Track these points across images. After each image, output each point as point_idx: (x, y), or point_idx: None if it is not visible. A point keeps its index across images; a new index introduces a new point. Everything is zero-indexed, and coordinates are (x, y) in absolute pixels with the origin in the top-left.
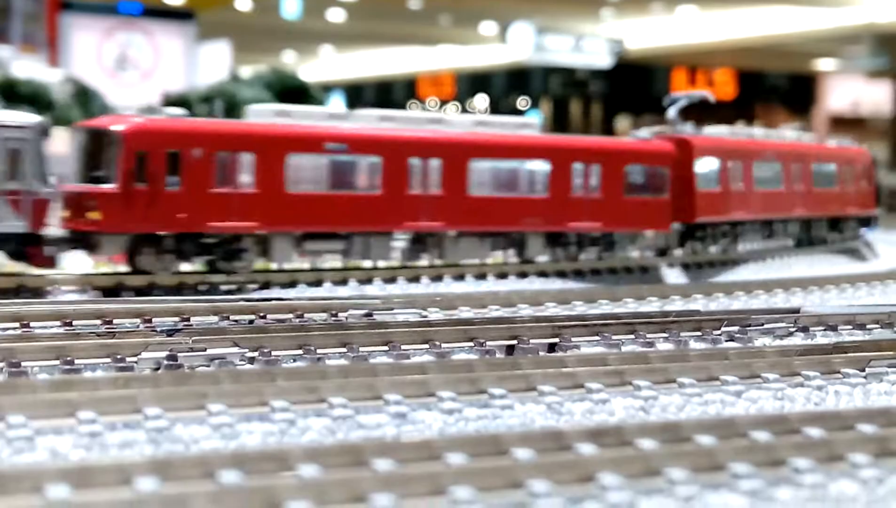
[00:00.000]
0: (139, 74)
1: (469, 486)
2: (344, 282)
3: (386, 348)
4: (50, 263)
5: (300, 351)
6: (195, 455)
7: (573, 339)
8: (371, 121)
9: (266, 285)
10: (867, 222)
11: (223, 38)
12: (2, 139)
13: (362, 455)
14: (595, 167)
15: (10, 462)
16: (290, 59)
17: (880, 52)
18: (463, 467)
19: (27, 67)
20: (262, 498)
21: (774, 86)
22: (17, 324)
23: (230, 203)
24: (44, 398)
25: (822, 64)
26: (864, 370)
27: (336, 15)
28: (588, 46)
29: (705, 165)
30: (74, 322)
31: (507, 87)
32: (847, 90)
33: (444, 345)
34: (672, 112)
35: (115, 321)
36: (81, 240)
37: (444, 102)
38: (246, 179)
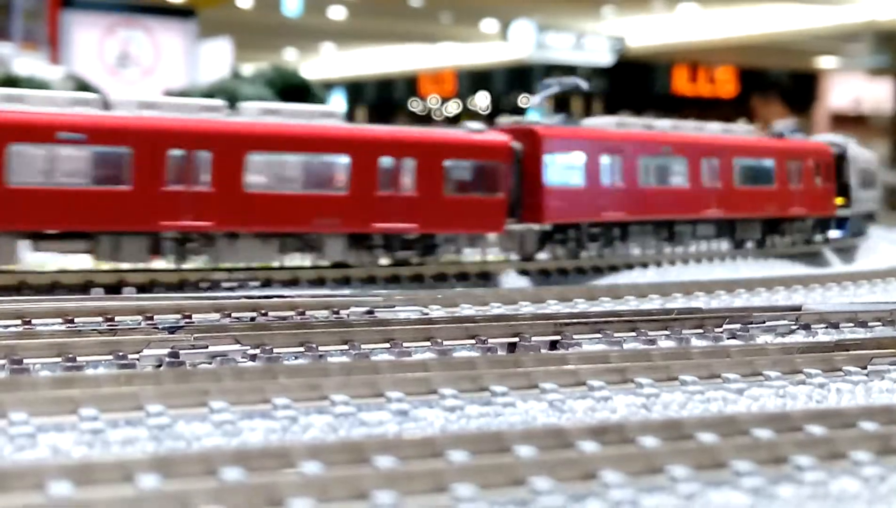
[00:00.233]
0: (140, 71)
1: (471, 483)
2: (346, 280)
3: (388, 345)
4: None
5: (302, 349)
6: (197, 452)
7: (575, 336)
8: (127, 108)
9: (268, 283)
10: (840, 223)
11: (224, 36)
12: None
13: (364, 453)
14: (408, 162)
15: (11, 459)
16: (291, 57)
17: (881, 49)
18: (465, 464)
19: (28, 65)
20: (264, 495)
21: (775, 84)
22: (18, 321)
23: None
24: (45, 395)
25: (824, 62)
26: (866, 368)
27: (337, 12)
28: (589, 44)
29: (560, 160)
30: (76, 319)
31: (508, 84)
32: (848, 88)
33: (445, 343)
34: (536, 100)
35: (116, 319)
36: None
37: (445, 100)
38: None
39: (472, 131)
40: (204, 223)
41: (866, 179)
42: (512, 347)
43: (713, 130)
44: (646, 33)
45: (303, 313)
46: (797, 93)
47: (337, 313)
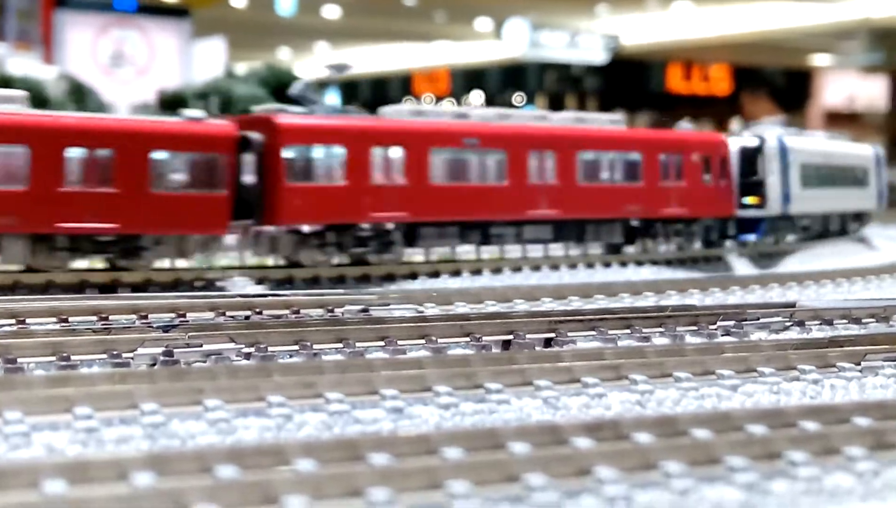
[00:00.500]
0: (134, 70)
1: (465, 480)
2: (340, 278)
3: (382, 343)
4: None
5: (296, 347)
6: (192, 450)
7: (569, 334)
8: None
9: (262, 282)
10: (752, 225)
11: (218, 35)
12: None
13: (359, 450)
14: (104, 153)
15: (6, 458)
16: (285, 56)
17: (876, 47)
18: (459, 461)
19: (22, 65)
20: (258, 493)
21: (766, 81)
22: (13, 320)
23: None
24: (40, 393)
25: (818, 59)
26: (859, 364)
27: (331, 11)
28: (583, 42)
29: (307, 154)
30: (70, 319)
31: (502, 83)
32: (842, 85)
33: (440, 340)
34: (297, 89)
35: (110, 318)
36: None
37: (439, 99)
38: None
39: (190, 120)
40: None
41: (821, 176)
42: (506, 344)
43: (560, 119)
44: (640, 31)
45: (297, 312)
46: (791, 91)
47: (331, 311)
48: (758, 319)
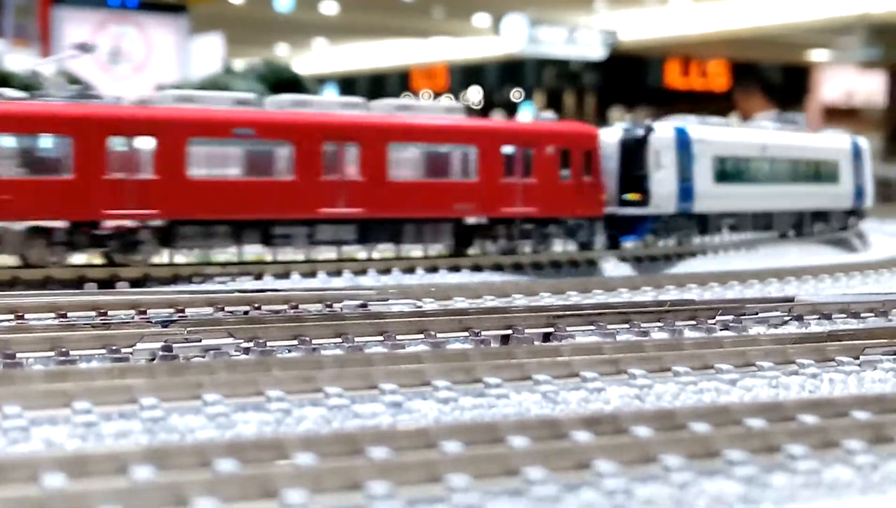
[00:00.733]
0: (132, 67)
1: (465, 474)
2: (338, 273)
3: (381, 338)
4: None
5: (295, 342)
6: (191, 444)
7: (568, 328)
8: None
9: (260, 276)
10: (631, 225)
11: (216, 31)
12: None
13: (358, 444)
14: None
15: (5, 452)
16: (283, 52)
17: (874, 42)
18: (459, 455)
19: (20, 61)
20: (258, 486)
21: (765, 77)
22: (11, 316)
23: None
24: (39, 388)
25: (816, 55)
26: (858, 358)
27: (329, 7)
28: (581, 38)
29: (24, 144)
30: (69, 314)
31: (500, 79)
32: (840, 81)
33: (439, 335)
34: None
35: (109, 313)
36: None
37: (437, 94)
38: None
39: None
40: None
41: (752, 171)
42: (505, 339)
43: (379, 107)
44: (638, 27)
45: (296, 307)
46: (789, 86)
47: (330, 306)
48: (756, 313)
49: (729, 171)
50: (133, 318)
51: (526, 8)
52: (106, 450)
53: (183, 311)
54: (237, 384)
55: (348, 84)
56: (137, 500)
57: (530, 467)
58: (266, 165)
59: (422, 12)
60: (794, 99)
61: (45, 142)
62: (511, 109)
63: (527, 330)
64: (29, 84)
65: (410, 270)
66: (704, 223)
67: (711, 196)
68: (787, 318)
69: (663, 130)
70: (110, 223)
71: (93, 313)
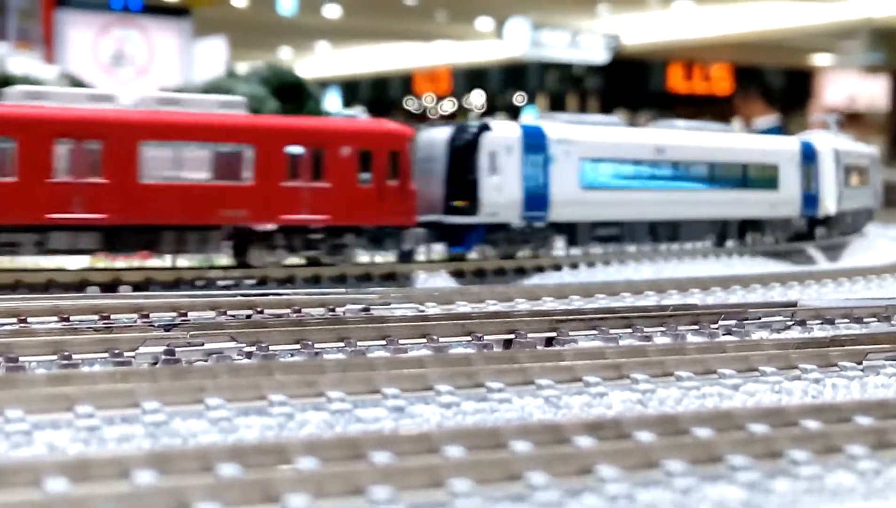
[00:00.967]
0: (135, 70)
1: (467, 479)
2: (341, 278)
3: (384, 342)
4: None
5: (298, 346)
6: (193, 449)
7: (570, 333)
8: None
9: (263, 281)
10: (459, 234)
11: (219, 35)
12: None
13: (360, 448)
14: None
15: (8, 456)
16: (286, 56)
17: (877, 47)
18: (461, 459)
19: (23, 64)
20: (260, 491)
21: (765, 81)
22: (14, 319)
23: None
24: (41, 392)
25: (819, 59)
26: (861, 364)
27: (332, 11)
28: (584, 42)
29: None
30: (72, 317)
31: (503, 82)
32: (843, 85)
33: (441, 339)
34: None
35: (112, 317)
36: None
37: (440, 98)
38: None
39: None
40: None
41: (643, 175)
42: (508, 343)
43: (135, 102)
44: (641, 31)
45: (298, 311)
46: (791, 90)
47: (333, 310)
48: (759, 318)
49: (604, 176)
50: (136, 322)
51: (529, 11)
52: (108, 454)
53: (185, 315)
54: (239, 389)
55: (351, 88)
56: (140, 504)
57: (532, 472)
58: None
59: (425, 16)
60: (797, 103)
61: None
62: (514, 112)
63: (529, 335)
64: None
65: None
66: (572, 234)
67: (578, 204)
68: (789, 323)
69: (503, 130)
70: None
71: (95, 317)
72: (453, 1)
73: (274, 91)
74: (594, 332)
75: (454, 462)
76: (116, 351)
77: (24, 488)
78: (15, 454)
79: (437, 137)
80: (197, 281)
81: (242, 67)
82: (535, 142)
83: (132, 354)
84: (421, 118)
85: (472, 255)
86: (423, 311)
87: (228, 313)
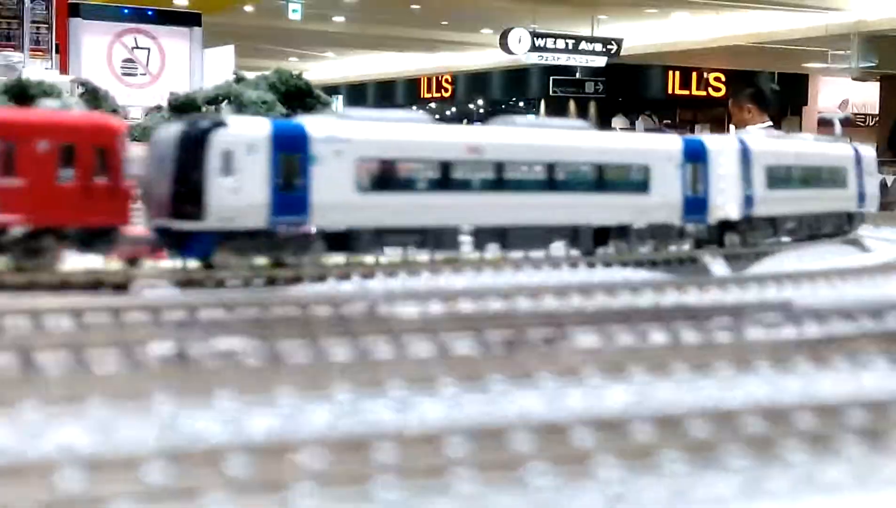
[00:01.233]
0: (147, 77)
1: (469, 472)
2: (347, 277)
3: (388, 339)
4: None
5: (305, 343)
6: (204, 445)
7: (570, 331)
8: None
9: (272, 281)
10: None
11: (228, 42)
12: None
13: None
14: None
15: (20, 454)
16: (294, 63)
17: (869, 52)
18: (463, 454)
19: (37, 72)
20: (268, 484)
21: (757, 87)
22: (27, 317)
23: None
24: (55, 391)
25: (812, 65)
26: (855, 361)
27: (338, 19)
28: (584, 49)
29: None
30: (85, 315)
31: (505, 88)
32: (836, 90)
33: (444, 337)
34: None
35: (124, 315)
36: None
37: (443, 101)
38: None
39: None
40: None
41: (414, 177)
42: (509, 341)
43: None
44: (639, 38)
45: (305, 309)
46: (784, 96)
47: (338, 308)
48: (754, 316)
49: (393, 178)
50: (148, 320)
51: (530, 22)
52: (121, 451)
53: (196, 313)
54: (248, 386)
55: (357, 93)
56: (151, 501)
57: (532, 466)
58: None
59: (429, 25)
60: (791, 108)
61: None
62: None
63: (530, 333)
64: (47, 94)
65: (416, 273)
66: (345, 240)
67: (353, 209)
68: (783, 321)
69: (244, 127)
70: None
71: (107, 315)
72: (457, 12)
73: (282, 96)
74: (593, 329)
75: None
76: (129, 349)
77: (37, 485)
78: (28, 451)
79: (169, 133)
80: (206, 281)
81: (251, 74)
82: (289, 140)
83: (144, 352)
84: None
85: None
86: (426, 310)
87: (237, 311)
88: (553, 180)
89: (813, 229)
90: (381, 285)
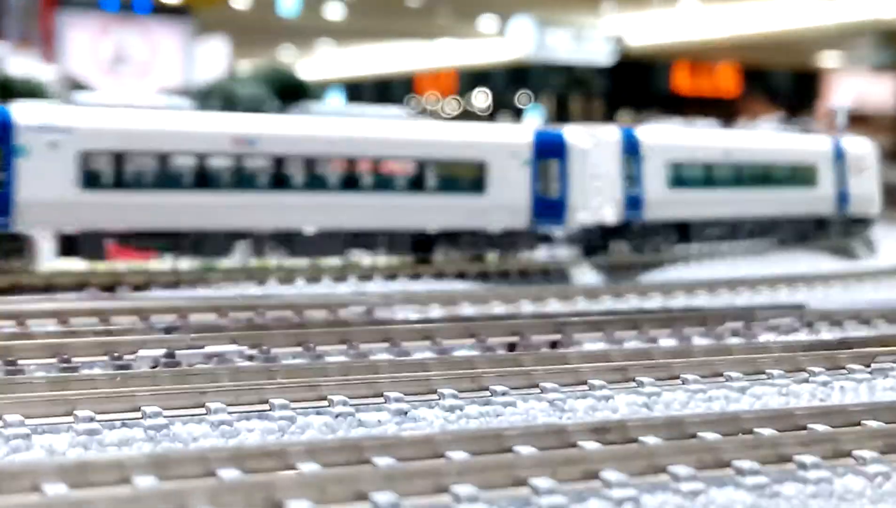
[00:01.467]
0: (136, 70)
1: (471, 483)
2: (343, 279)
3: (386, 345)
4: None
5: (300, 348)
6: (194, 453)
7: (575, 335)
8: None
9: (264, 282)
10: None
11: (220, 35)
12: None
13: (363, 453)
14: None
15: (7, 461)
16: (288, 56)
17: (884, 47)
18: (465, 464)
19: (23, 64)
20: (261, 495)
21: (777, 82)
22: (13, 322)
23: None
24: (41, 395)
25: (826, 60)
26: (869, 366)
27: (334, 11)
28: (589, 43)
29: None
30: (71, 320)
31: (507, 82)
32: (851, 86)
33: (445, 342)
34: None
35: (112, 319)
36: None
37: (444, 98)
38: None
39: None
40: None
41: (141, 172)
42: (512, 346)
43: None
44: (646, 31)
45: (300, 313)
46: (798, 92)
47: (335, 312)
48: (766, 320)
49: (129, 173)
50: (136, 324)
51: (532, 9)
52: (108, 458)
53: (186, 317)
54: (241, 392)
55: (355, 88)
56: None
57: (537, 476)
58: None
59: (428, 15)
60: (804, 104)
61: None
62: (518, 113)
63: (534, 337)
64: (31, 88)
65: (416, 276)
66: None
67: (76, 207)
68: (797, 325)
69: None
70: None
71: (95, 320)
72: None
73: (275, 92)
74: (599, 334)
75: (458, 466)
76: (116, 354)
77: (24, 493)
78: (14, 458)
79: None
80: (197, 283)
81: (244, 67)
82: None
83: (132, 357)
84: None
85: None
86: (426, 314)
87: (230, 315)
88: (354, 179)
89: (759, 235)
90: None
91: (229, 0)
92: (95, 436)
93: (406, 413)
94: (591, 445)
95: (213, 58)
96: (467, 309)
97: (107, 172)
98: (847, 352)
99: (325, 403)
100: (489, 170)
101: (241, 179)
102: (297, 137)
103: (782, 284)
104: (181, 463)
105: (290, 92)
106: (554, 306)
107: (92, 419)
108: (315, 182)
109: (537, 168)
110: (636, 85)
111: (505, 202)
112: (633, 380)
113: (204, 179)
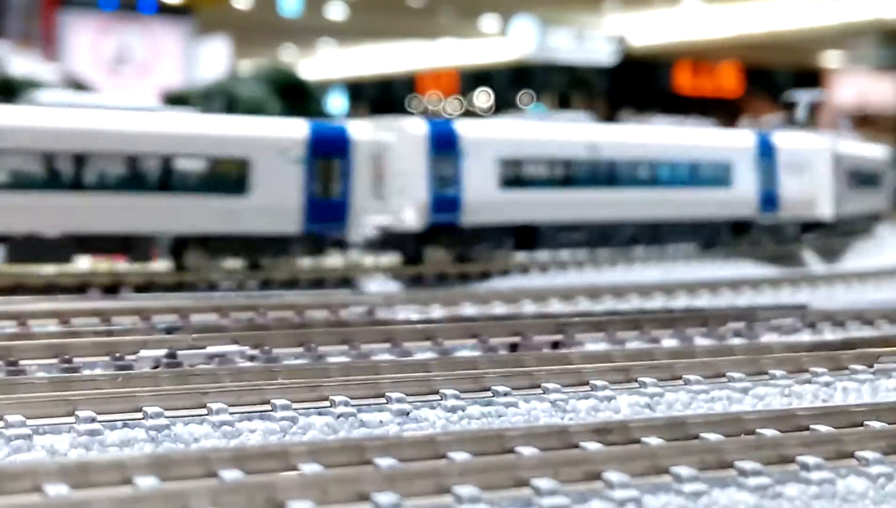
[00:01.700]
0: (137, 70)
1: (473, 484)
2: (345, 280)
3: (388, 345)
4: None
5: (301, 349)
6: (196, 453)
7: (577, 336)
8: None
9: (266, 283)
10: None
11: (222, 35)
12: None
13: (365, 453)
14: None
15: (8, 461)
16: (289, 56)
17: (887, 46)
18: (466, 464)
19: (24, 64)
20: (263, 496)
21: (779, 82)
22: (14, 322)
23: None
24: (42, 396)
25: (829, 59)
26: (872, 367)
27: (336, 11)
28: (590, 43)
29: None
30: (73, 320)
31: (509, 82)
32: (854, 86)
33: (446, 342)
34: None
35: (113, 319)
36: None
37: (446, 98)
38: None
39: None
40: None
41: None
42: (514, 346)
43: None
44: (648, 30)
45: (301, 313)
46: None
47: (336, 312)
48: (769, 320)
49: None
50: (137, 324)
51: (534, 9)
52: (109, 458)
53: (187, 317)
54: (242, 392)
55: (356, 88)
56: None
57: (539, 477)
58: None
59: (429, 14)
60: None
61: None
62: (519, 112)
63: (535, 338)
64: (32, 87)
65: (418, 276)
66: None
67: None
68: (799, 325)
69: None
70: None
71: (96, 320)
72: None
73: (276, 92)
74: (601, 334)
75: (460, 467)
76: (117, 355)
77: (25, 493)
78: (16, 458)
79: None
80: (199, 283)
81: (246, 67)
82: None
83: (133, 357)
84: None
85: None
86: (427, 314)
87: (231, 315)
88: (208, 178)
89: (647, 241)
90: None
91: (231, 0)
92: (97, 437)
93: (408, 414)
94: (593, 446)
95: (214, 58)
96: (468, 309)
97: None
98: (850, 353)
99: (327, 403)
100: (252, 168)
101: (74, 178)
102: (136, 134)
103: (785, 284)
104: (183, 464)
105: (291, 91)
106: (555, 306)
107: (93, 420)
108: (154, 180)
109: (314, 166)
110: (638, 85)
111: (271, 204)
112: (636, 381)
113: (43, 177)
